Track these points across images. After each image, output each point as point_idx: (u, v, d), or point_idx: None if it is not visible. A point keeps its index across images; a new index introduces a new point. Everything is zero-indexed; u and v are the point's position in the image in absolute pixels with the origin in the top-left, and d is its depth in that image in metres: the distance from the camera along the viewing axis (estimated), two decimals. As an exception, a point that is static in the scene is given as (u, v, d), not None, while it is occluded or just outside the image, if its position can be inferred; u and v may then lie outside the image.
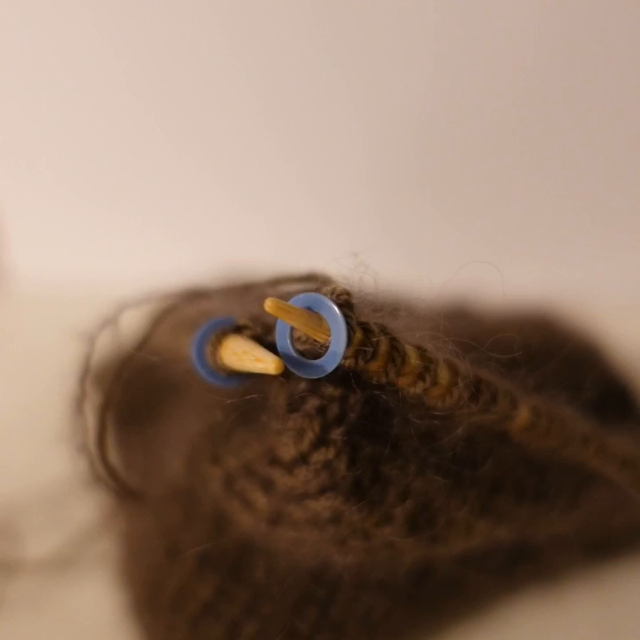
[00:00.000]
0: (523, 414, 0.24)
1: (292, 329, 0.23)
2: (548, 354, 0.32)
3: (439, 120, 0.58)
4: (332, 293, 0.22)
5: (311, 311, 0.22)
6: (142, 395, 0.38)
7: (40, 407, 0.44)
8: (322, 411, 0.23)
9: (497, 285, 0.43)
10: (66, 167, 0.62)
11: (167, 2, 0.55)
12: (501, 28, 0.54)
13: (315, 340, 0.22)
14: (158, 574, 0.29)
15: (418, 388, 0.22)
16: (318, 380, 0.22)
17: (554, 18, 0.54)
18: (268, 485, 0.25)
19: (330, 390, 0.23)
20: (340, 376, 0.22)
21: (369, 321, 0.22)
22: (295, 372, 0.22)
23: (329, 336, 0.22)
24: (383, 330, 0.22)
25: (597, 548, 0.33)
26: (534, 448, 0.26)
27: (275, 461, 0.24)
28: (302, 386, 0.23)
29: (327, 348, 0.22)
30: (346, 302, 0.22)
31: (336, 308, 0.21)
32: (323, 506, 0.23)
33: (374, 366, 0.22)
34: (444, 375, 0.22)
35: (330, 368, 0.22)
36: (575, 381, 0.31)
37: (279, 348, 0.23)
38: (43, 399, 0.46)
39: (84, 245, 0.64)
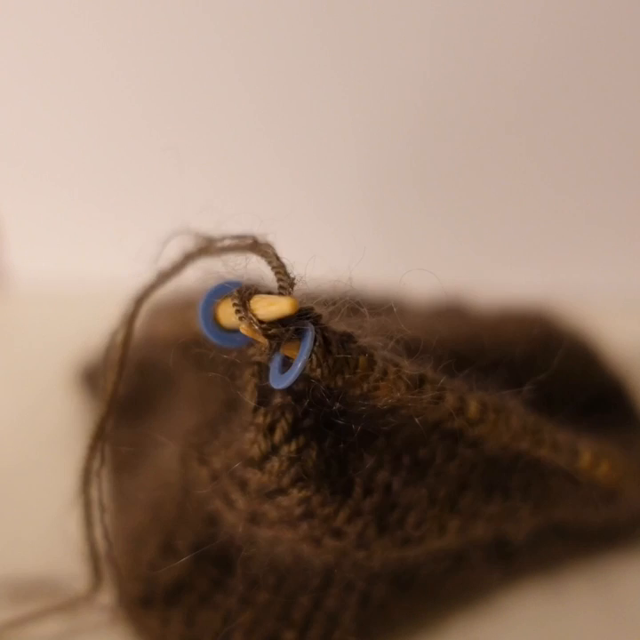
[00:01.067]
0: (472, 408, 0.25)
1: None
2: (544, 352, 0.32)
3: (434, 119, 0.58)
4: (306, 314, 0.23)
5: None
6: (133, 391, 0.38)
7: (40, 406, 0.44)
8: (290, 406, 0.24)
9: (493, 284, 0.43)
10: (65, 167, 0.62)
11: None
12: (498, 23, 0.54)
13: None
14: (153, 569, 0.29)
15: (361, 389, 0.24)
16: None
17: (552, 14, 0.54)
18: (244, 485, 0.25)
19: (298, 386, 0.24)
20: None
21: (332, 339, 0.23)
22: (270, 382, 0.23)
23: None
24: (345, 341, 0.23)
25: (590, 538, 0.33)
26: (492, 445, 0.27)
27: (247, 460, 0.25)
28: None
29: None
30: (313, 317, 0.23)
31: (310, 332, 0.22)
32: (295, 499, 0.24)
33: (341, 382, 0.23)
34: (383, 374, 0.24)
35: (287, 381, 0.23)
36: (571, 379, 0.31)
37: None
38: (42, 398, 0.46)
39: (84, 245, 0.64)
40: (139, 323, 0.31)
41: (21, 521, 0.36)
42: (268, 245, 0.25)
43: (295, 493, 0.24)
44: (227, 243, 0.26)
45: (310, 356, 0.22)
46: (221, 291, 0.25)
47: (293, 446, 0.24)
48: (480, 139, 0.58)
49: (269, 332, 0.22)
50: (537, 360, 0.31)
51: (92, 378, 0.43)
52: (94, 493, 0.28)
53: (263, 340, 0.22)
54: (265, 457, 0.24)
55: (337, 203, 0.61)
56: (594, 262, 0.61)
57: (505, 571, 0.32)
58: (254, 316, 0.22)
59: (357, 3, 0.54)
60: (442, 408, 0.25)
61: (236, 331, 0.24)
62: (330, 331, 0.23)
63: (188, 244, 0.28)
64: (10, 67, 0.58)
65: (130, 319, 0.27)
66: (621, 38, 0.54)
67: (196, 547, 0.28)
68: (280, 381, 0.23)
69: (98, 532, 0.28)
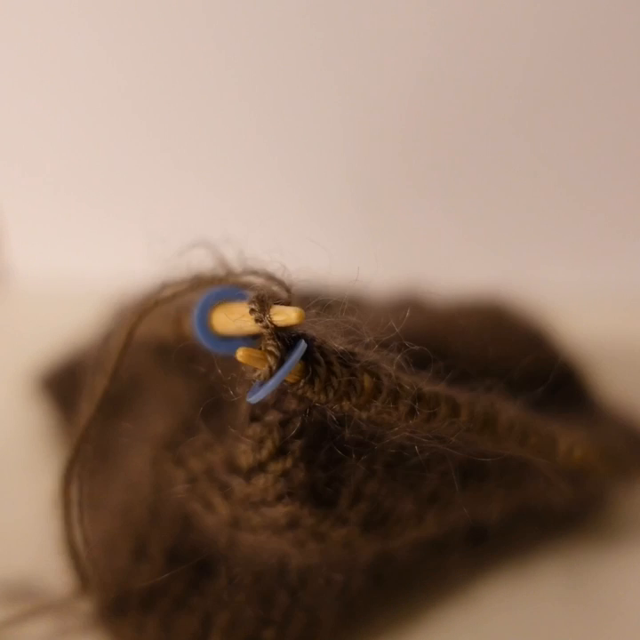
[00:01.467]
0: (464, 417, 0.25)
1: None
2: (497, 340, 0.33)
3: (425, 117, 0.58)
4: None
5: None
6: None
7: (39, 405, 0.44)
8: (283, 423, 0.23)
9: (448, 277, 0.44)
10: (66, 166, 0.62)
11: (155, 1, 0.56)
12: (494, 14, 0.54)
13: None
14: (125, 575, 0.29)
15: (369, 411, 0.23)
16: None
17: (550, 7, 0.54)
18: (226, 491, 0.25)
19: (293, 405, 0.23)
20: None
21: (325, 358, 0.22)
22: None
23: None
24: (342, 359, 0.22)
25: (559, 523, 0.34)
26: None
27: (233, 469, 0.25)
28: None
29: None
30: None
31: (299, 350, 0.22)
32: (280, 512, 0.24)
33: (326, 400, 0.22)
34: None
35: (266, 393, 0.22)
36: (521, 366, 0.32)
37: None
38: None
39: (84, 244, 0.64)
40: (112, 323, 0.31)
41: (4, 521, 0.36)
42: (284, 283, 0.24)
43: (280, 508, 0.24)
44: (243, 276, 0.25)
45: (287, 372, 0.21)
46: (217, 297, 0.25)
47: (280, 465, 0.24)
48: (470, 136, 0.59)
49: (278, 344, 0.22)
50: (492, 349, 0.32)
51: (53, 384, 0.42)
52: (74, 495, 0.28)
53: (261, 363, 0.22)
54: (252, 470, 0.24)
55: (327, 202, 0.62)
56: (555, 256, 0.62)
57: (478, 557, 0.32)
58: (272, 322, 0.22)
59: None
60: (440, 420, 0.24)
61: (228, 338, 0.24)
62: (328, 349, 0.22)
63: (204, 265, 0.27)
64: (10, 67, 0.58)
65: (130, 329, 0.27)
66: (622, 38, 0.55)
67: (169, 550, 0.28)
68: (253, 395, 0.22)
69: (78, 535, 0.28)
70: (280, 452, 0.24)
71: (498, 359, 0.31)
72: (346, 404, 0.22)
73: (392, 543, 0.27)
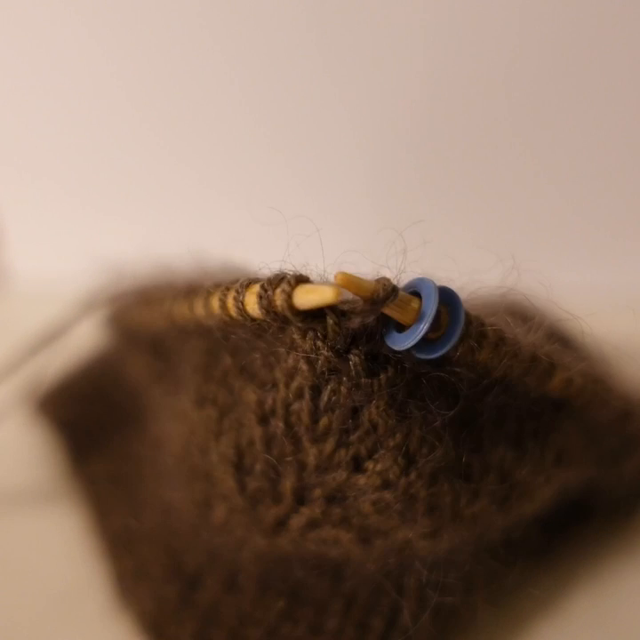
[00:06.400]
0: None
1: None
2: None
3: (436, 117, 0.58)
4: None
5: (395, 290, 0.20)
6: (96, 418, 0.37)
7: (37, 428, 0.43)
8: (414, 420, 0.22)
9: (463, 277, 0.43)
10: (65, 167, 0.62)
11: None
12: (500, 19, 0.55)
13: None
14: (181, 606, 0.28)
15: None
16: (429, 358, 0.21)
17: (554, 8, 0.55)
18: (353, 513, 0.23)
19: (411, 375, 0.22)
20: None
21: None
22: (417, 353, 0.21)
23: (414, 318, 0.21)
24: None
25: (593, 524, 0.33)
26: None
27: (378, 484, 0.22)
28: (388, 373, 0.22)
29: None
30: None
31: (457, 298, 0.21)
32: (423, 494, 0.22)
33: (483, 356, 0.22)
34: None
35: (442, 350, 0.21)
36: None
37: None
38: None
39: (83, 244, 0.63)
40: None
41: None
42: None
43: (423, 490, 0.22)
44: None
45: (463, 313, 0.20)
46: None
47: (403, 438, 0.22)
48: (478, 136, 0.59)
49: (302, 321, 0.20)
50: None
51: (47, 405, 0.41)
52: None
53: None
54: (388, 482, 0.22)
55: (342, 200, 0.62)
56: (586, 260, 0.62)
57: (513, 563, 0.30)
58: (276, 303, 0.20)
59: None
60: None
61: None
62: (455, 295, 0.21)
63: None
64: (11, 67, 0.58)
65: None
66: (623, 37, 0.55)
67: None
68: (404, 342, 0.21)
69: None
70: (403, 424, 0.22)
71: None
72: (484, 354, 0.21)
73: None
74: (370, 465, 0.22)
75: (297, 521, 0.23)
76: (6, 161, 0.63)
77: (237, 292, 0.22)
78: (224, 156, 0.61)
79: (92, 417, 0.38)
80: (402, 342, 0.21)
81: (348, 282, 0.19)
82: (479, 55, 0.56)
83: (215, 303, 0.23)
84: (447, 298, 0.21)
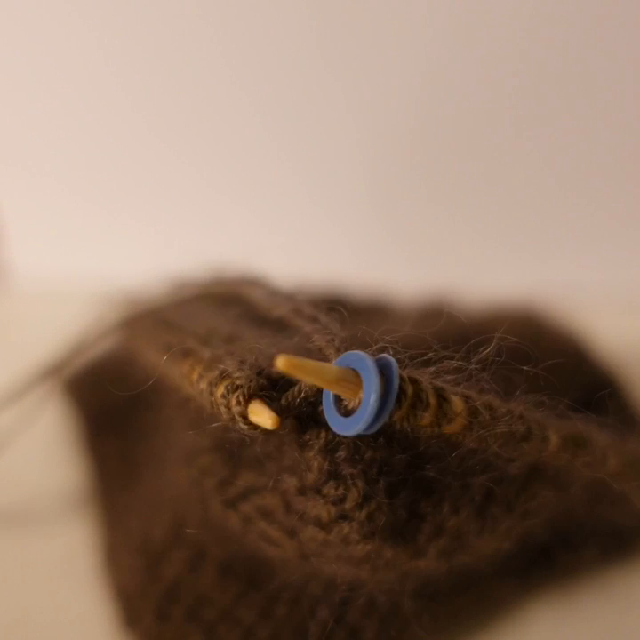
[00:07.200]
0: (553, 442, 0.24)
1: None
2: (534, 350, 0.32)
3: (435, 118, 0.57)
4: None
5: (340, 367, 0.20)
6: (117, 402, 0.38)
7: (40, 405, 0.43)
8: (363, 473, 0.22)
9: (483, 284, 0.43)
10: (65, 165, 0.61)
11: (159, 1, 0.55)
12: (500, 19, 0.54)
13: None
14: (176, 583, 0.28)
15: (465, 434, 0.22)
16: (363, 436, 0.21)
17: (554, 8, 0.54)
18: (292, 533, 0.24)
19: (369, 454, 0.22)
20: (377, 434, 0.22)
21: (417, 377, 0.20)
22: (339, 432, 0.21)
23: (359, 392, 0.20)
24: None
25: (611, 546, 0.33)
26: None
27: (306, 519, 0.23)
28: (342, 454, 0.22)
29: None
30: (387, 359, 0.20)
31: (393, 366, 0.20)
32: (360, 550, 0.23)
33: (426, 421, 0.20)
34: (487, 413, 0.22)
35: (375, 427, 0.20)
36: (561, 380, 0.31)
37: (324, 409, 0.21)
38: (43, 397, 0.46)
39: (83, 243, 0.64)
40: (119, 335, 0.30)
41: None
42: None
43: (360, 548, 0.22)
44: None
45: (399, 387, 0.19)
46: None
47: (364, 513, 0.22)
48: (481, 136, 0.58)
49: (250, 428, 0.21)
50: (527, 359, 0.30)
51: (74, 387, 0.42)
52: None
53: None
54: (333, 521, 0.22)
55: (340, 204, 0.61)
56: (585, 261, 0.61)
57: (523, 583, 0.31)
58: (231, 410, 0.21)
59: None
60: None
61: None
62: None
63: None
64: (11, 67, 0.57)
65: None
66: (623, 36, 0.54)
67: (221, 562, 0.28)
68: (348, 427, 0.20)
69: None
70: (365, 498, 0.22)
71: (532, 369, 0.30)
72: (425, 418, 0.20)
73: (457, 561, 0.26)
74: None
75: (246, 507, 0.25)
76: (6, 161, 0.62)
77: (210, 385, 0.23)
78: (224, 156, 0.60)
79: (111, 400, 0.39)
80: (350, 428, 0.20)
81: (291, 367, 0.19)
82: (479, 55, 0.55)
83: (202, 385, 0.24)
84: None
